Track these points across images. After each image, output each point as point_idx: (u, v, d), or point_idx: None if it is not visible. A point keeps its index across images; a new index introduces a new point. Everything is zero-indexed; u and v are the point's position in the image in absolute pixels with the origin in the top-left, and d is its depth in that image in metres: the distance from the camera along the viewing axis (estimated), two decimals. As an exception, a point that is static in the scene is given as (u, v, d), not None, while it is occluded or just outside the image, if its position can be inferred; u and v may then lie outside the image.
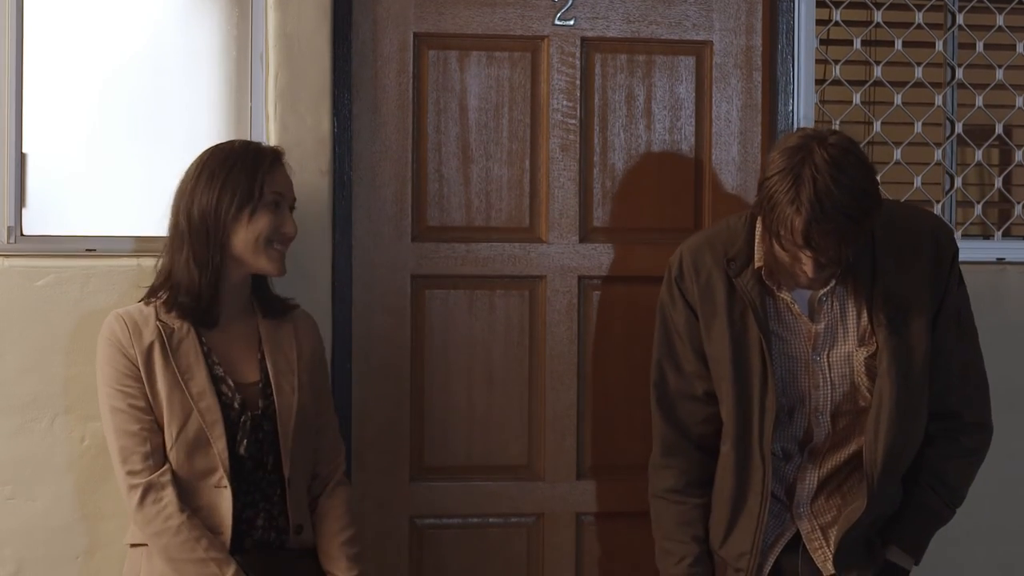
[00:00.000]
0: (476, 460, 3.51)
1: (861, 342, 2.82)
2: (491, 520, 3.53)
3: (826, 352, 2.83)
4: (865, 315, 2.81)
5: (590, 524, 3.56)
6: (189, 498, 2.78)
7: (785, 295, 2.82)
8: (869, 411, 2.80)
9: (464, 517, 3.51)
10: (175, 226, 2.85)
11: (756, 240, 2.83)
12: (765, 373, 2.82)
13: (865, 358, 2.81)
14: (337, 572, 2.91)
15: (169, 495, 2.76)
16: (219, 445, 2.79)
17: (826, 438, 2.86)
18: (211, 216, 2.80)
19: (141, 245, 3.23)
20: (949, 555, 3.05)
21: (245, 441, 2.81)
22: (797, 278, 2.73)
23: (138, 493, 2.76)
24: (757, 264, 2.82)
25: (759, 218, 2.77)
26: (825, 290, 2.81)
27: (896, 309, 2.78)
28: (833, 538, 2.85)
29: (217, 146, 2.92)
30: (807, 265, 2.66)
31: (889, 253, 2.80)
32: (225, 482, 2.79)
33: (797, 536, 2.89)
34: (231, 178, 2.81)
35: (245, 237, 2.83)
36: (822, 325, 2.83)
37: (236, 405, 2.82)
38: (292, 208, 2.93)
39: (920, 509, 2.90)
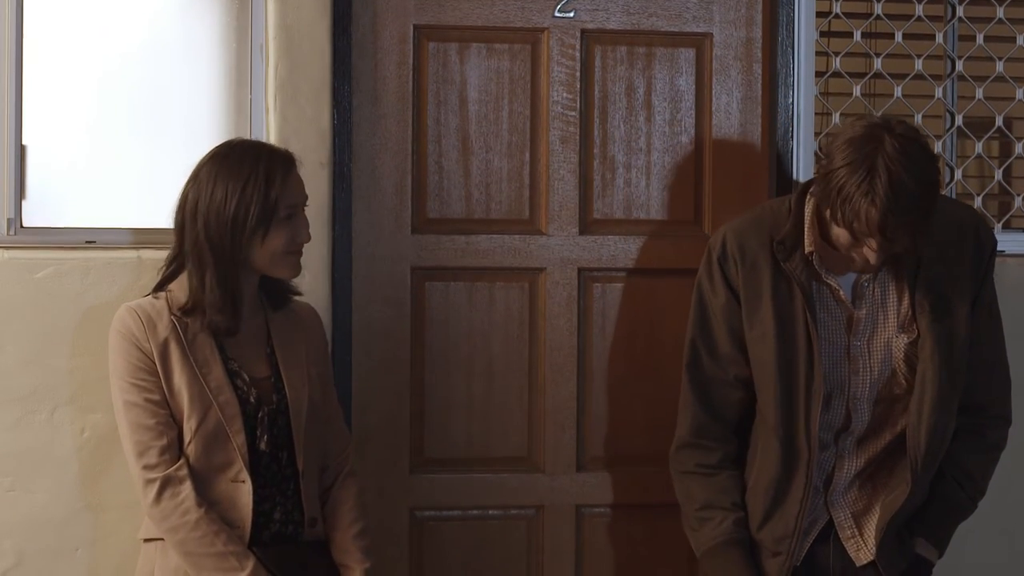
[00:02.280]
0: (476, 452, 3.51)
1: (901, 328, 2.83)
2: (491, 512, 3.53)
3: (866, 338, 2.84)
4: (907, 302, 2.82)
5: (590, 516, 3.55)
6: (204, 492, 2.76)
7: (832, 281, 2.83)
8: (907, 397, 2.83)
9: (464, 509, 3.51)
10: (195, 242, 2.77)
11: (805, 226, 2.82)
12: (811, 358, 2.82)
13: (905, 345, 2.82)
14: (351, 564, 2.90)
15: (187, 489, 2.73)
16: (238, 439, 2.77)
17: (864, 426, 2.87)
18: (227, 236, 2.75)
19: (141, 237, 3.23)
20: (954, 545, 3.05)
21: (266, 437, 2.80)
22: (852, 263, 2.74)
23: (155, 488, 2.73)
24: (808, 249, 2.82)
25: (814, 204, 2.78)
26: (868, 275, 2.82)
27: (939, 297, 2.80)
28: (867, 528, 2.87)
29: (228, 151, 2.83)
30: (872, 255, 2.67)
31: (934, 242, 2.81)
32: (244, 476, 2.78)
33: (828, 525, 2.90)
34: (243, 198, 2.75)
35: (262, 254, 2.79)
36: (863, 311, 2.84)
37: (252, 399, 2.81)
38: (305, 205, 2.88)
39: (946, 502, 2.92)
